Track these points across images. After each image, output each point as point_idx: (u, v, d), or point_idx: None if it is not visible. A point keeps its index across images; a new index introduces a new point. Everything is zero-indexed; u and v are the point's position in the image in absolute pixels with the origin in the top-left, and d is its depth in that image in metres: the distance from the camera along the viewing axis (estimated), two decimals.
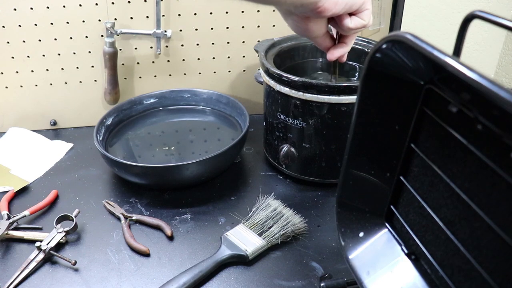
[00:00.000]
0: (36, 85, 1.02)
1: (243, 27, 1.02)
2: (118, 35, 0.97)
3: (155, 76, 1.05)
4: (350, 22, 0.57)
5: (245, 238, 0.69)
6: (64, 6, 0.94)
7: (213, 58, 1.05)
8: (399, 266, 0.49)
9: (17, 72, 0.99)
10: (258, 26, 1.02)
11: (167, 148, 0.91)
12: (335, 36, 0.63)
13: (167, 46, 1.01)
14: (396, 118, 0.46)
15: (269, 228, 0.71)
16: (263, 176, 0.89)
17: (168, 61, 1.03)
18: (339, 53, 0.62)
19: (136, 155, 0.90)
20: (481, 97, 0.34)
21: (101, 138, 0.89)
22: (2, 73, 0.99)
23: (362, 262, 0.50)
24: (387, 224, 0.52)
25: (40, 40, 0.97)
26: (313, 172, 0.82)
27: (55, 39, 0.97)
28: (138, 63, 1.03)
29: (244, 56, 1.05)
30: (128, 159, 0.87)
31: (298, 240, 0.72)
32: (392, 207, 0.52)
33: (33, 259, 0.67)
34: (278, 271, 0.66)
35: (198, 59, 1.04)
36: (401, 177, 0.49)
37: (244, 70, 1.07)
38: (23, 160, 0.92)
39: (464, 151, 0.39)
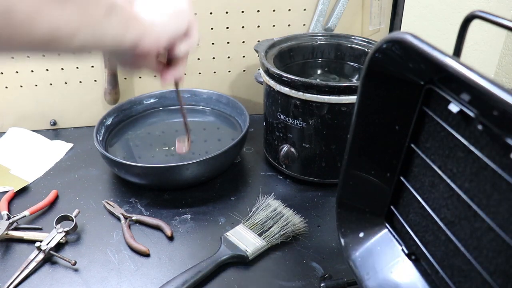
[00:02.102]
0: (36, 85, 1.02)
1: (243, 27, 1.02)
2: None
3: (155, 76, 1.05)
4: (179, 49, 0.53)
5: (245, 238, 0.69)
6: None
7: (213, 58, 1.05)
8: (399, 266, 0.49)
9: (17, 72, 0.99)
10: (258, 26, 1.02)
11: (167, 148, 0.91)
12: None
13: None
14: (396, 118, 0.46)
15: (269, 228, 0.71)
16: (263, 176, 0.89)
17: None
18: (172, 76, 0.56)
19: (136, 155, 0.90)
20: (481, 97, 0.34)
21: (101, 138, 0.89)
22: (2, 73, 0.99)
23: (362, 262, 0.50)
24: (387, 224, 0.52)
25: None
26: (313, 172, 0.82)
27: None
28: None
29: (244, 56, 1.05)
30: (128, 159, 0.87)
31: (298, 240, 0.72)
32: (392, 207, 0.52)
33: (33, 259, 0.67)
34: (278, 271, 0.66)
35: (198, 59, 1.04)
36: (401, 177, 0.49)
37: (244, 70, 1.07)
38: (23, 160, 0.92)
39: (464, 151, 0.39)
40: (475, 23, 0.38)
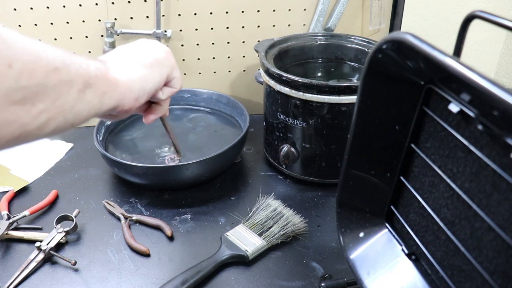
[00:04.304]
0: None
1: (243, 27, 1.02)
2: (118, 35, 0.97)
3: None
4: (161, 95, 0.54)
5: (245, 238, 0.69)
6: (64, 6, 0.94)
7: (213, 58, 1.05)
8: (399, 266, 0.49)
9: None
10: (258, 26, 1.02)
11: (167, 148, 0.91)
12: None
13: (167, 46, 1.01)
14: (396, 118, 0.46)
15: (269, 228, 0.71)
16: (263, 176, 0.89)
17: None
18: (155, 116, 0.58)
19: (136, 155, 0.90)
20: (481, 97, 0.34)
21: (101, 138, 0.89)
22: None
23: (362, 262, 0.50)
24: (387, 224, 0.52)
25: (40, 40, 0.97)
26: (313, 172, 0.82)
27: (55, 39, 0.97)
28: None
29: (244, 56, 1.05)
30: (128, 159, 0.87)
31: (298, 240, 0.72)
32: (392, 207, 0.52)
33: (33, 259, 0.67)
34: (278, 271, 0.66)
35: (198, 59, 1.04)
36: (401, 177, 0.49)
37: (244, 70, 1.07)
38: (23, 160, 0.92)
39: (464, 151, 0.39)
40: (475, 23, 0.38)
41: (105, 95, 0.42)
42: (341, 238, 0.52)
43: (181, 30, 1.00)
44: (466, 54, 1.13)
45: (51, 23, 0.95)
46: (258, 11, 1.00)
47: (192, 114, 1.03)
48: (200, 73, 1.06)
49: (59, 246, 0.71)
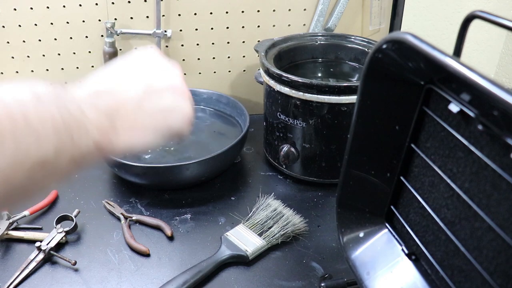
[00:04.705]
0: None
1: (243, 27, 1.02)
2: (118, 35, 0.97)
3: None
4: None
5: (245, 238, 0.69)
6: (64, 6, 0.94)
7: (213, 58, 1.05)
8: (399, 266, 0.49)
9: (17, 72, 0.99)
10: (258, 26, 1.02)
11: (167, 148, 0.91)
12: None
13: (167, 46, 1.01)
14: (396, 118, 0.46)
15: (269, 228, 0.71)
16: (263, 176, 0.89)
17: None
18: None
19: (136, 155, 0.90)
20: (481, 97, 0.34)
21: None
22: (2, 73, 0.99)
23: (362, 262, 0.50)
24: (387, 224, 0.52)
25: (40, 40, 0.97)
26: (313, 172, 0.82)
27: (55, 39, 0.97)
28: None
29: (244, 56, 1.05)
30: (128, 159, 0.87)
31: (298, 240, 0.72)
32: (392, 207, 0.52)
33: (33, 259, 0.67)
34: (278, 271, 0.66)
35: (198, 59, 1.04)
36: (401, 177, 0.49)
37: (244, 70, 1.07)
38: None
39: (464, 151, 0.39)
40: (475, 23, 0.38)
41: (85, 163, 0.36)
42: (341, 238, 0.52)
43: (181, 30, 1.00)
44: (466, 54, 1.13)
45: (51, 23, 0.95)
46: (258, 11, 1.00)
47: None
48: (200, 73, 1.06)
49: (59, 246, 0.71)
